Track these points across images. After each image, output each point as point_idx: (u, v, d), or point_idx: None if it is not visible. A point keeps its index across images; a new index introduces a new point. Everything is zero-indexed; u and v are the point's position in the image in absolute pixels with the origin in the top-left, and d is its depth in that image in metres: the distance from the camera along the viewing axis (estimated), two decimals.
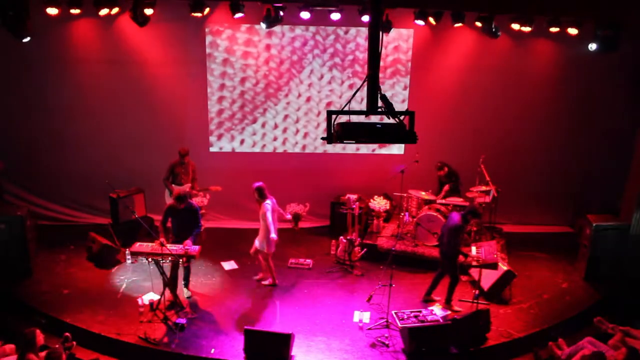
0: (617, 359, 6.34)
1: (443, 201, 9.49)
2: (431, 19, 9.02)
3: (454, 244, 7.49)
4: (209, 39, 9.77)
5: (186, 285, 7.85)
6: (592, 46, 9.20)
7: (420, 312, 7.44)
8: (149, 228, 7.57)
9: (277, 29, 9.10)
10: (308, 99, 10.21)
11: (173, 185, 9.06)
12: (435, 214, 9.08)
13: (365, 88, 4.78)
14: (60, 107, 9.78)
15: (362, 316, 7.53)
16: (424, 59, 10.12)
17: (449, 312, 7.63)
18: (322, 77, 10.13)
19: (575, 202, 10.74)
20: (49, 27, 8.94)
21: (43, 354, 5.88)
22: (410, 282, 8.62)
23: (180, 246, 7.20)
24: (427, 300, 7.97)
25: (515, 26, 9.15)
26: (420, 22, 9.10)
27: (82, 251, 9.01)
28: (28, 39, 8.04)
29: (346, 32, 9.92)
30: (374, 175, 10.10)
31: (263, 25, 8.96)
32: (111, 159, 10.04)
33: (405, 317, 7.30)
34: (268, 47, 9.91)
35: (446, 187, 9.68)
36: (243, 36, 9.81)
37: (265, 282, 8.30)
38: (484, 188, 9.45)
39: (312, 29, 9.85)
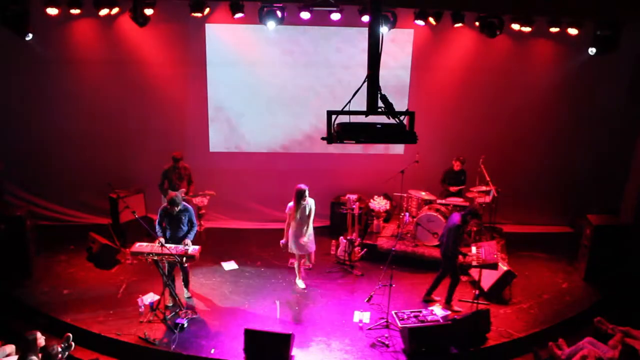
0: (615, 357, 6.35)
1: (443, 201, 9.50)
2: (431, 19, 9.02)
3: (453, 244, 7.49)
4: (210, 38, 9.76)
5: (186, 285, 7.85)
6: (592, 50, 9.22)
7: (420, 312, 7.43)
8: (149, 228, 7.57)
9: (281, 27, 9.09)
10: (311, 99, 10.14)
11: (170, 191, 8.98)
12: (435, 214, 9.08)
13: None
14: (60, 107, 9.77)
15: (362, 316, 7.54)
16: (424, 59, 10.11)
17: (449, 312, 7.64)
18: (328, 76, 10.05)
19: (575, 202, 10.73)
20: (49, 27, 8.94)
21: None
22: (410, 282, 8.62)
23: (180, 246, 7.20)
24: (428, 301, 7.97)
25: (515, 26, 9.15)
26: (420, 22, 9.10)
27: (82, 251, 9.01)
28: (30, 36, 8.03)
29: (354, 32, 9.77)
30: (374, 175, 10.09)
31: (267, 26, 8.93)
32: (111, 159, 10.04)
33: (405, 317, 7.29)
34: (271, 47, 9.86)
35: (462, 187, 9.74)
36: (245, 36, 9.78)
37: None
38: (484, 188, 9.46)
39: (317, 28, 9.73)
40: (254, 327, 6.72)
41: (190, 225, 7.49)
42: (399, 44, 9.97)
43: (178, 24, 9.48)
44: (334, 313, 7.67)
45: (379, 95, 4.67)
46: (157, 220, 7.48)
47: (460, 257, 7.54)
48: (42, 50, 9.14)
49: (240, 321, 7.26)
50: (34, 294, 7.84)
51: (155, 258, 7.12)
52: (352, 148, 10.43)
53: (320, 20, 9.26)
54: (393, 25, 9.06)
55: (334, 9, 8.94)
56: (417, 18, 9.03)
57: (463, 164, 9.61)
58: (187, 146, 9.79)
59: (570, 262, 9.35)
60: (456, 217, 7.58)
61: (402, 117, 4.68)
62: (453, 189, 9.67)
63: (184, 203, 7.51)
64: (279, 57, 9.96)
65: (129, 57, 9.60)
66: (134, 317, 7.29)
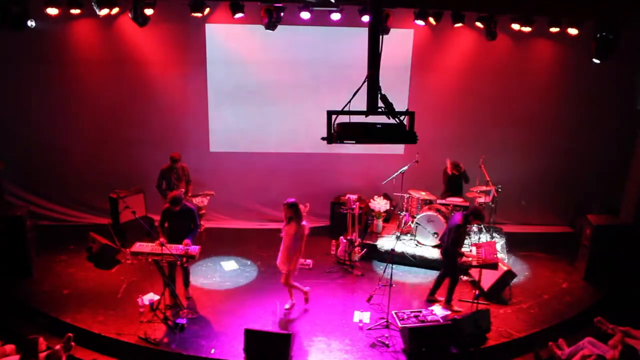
0: (615, 357, 6.35)
1: (443, 201, 9.49)
2: (431, 19, 9.02)
3: (453, 243, 7.49)
4: (210, 38, 9.75)
5: (186, 285, 7.85)
6: (596, 61, 9.19)
7: (420, 312, 7.42)
8: (149, 228, 7.56)
9: (280, 28, 9.10)
10: (312, 99, 10.12)
11: (168, 192, 8.97)
12: (435, 214, 9.08)
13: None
14: (60, 107, 9.78)
15: (362, 316, 7.54)
16: (424, 59, 10.11)
17: (449, 312, 7.64)
18: (327, 76, 10.02)
19: (575, 202, 10.74)
20: (49, 27, 8.94)
21: (43, 355, 5.89)
22: (410, 282, 8.62)
23: (180, 246, 7.20)
24: (431, 300, 7.96)
25: (515, 26, 9.15)
26: (420, 22, 9.09)
27: (82, 251, 9.01)
28: (33, 23, 7.96)
29: (353, 32, 9.74)
30: (374, 175, 10.09)
31: (265, 29, 8.94)
32: (111, 159, 10.05)
33: (406, 317, 7.29)
34: (271, 47, 9.84)
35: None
36: (245, 36, 9.76)
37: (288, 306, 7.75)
38: (484, 188, 9.46)
39: (316, 28, 9.72)
40: (254, 327, 6.72)
41: (193, 226, 7.48)
42: (399, 44, 9.96)
43: (178, 24, 9.48)
44: (334, 313, 7.66)
45: (379, 95, 4.68)
46: (159, 222, 7.48)
47: (460, 257, 7.54)
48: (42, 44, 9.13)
49: (240, 321, 7.25)
50: (34, 294, 7.83)
51: (156, 258, 7.11)
52: (352, 148, 10.42)
53: (320, 20, 9.26)
54: (386, 32, 9.02)
55: (334, 9, 8.95)
56: (417, 18, 9.02)
57: (456, 168, 9.58)
58: (187, 146, 9.79)
59: (570, 262, 9.35)
60: (458, 217, 7.58)
61: (402, 117, 4.69)
62: (452, 199, 9.56)
63: (187, 203, 7.50)
64: (279, 57, 9.95)
65: (129, 57, 9.61)
66: (134, 317, 7.28)
